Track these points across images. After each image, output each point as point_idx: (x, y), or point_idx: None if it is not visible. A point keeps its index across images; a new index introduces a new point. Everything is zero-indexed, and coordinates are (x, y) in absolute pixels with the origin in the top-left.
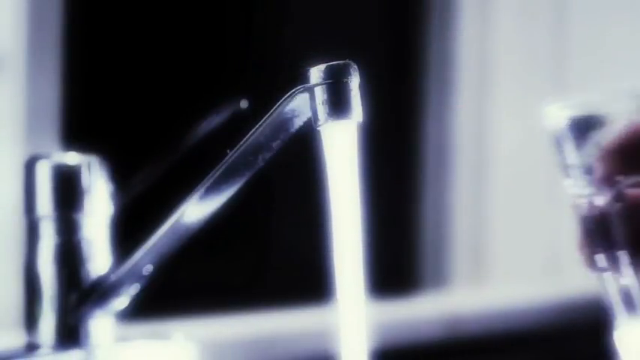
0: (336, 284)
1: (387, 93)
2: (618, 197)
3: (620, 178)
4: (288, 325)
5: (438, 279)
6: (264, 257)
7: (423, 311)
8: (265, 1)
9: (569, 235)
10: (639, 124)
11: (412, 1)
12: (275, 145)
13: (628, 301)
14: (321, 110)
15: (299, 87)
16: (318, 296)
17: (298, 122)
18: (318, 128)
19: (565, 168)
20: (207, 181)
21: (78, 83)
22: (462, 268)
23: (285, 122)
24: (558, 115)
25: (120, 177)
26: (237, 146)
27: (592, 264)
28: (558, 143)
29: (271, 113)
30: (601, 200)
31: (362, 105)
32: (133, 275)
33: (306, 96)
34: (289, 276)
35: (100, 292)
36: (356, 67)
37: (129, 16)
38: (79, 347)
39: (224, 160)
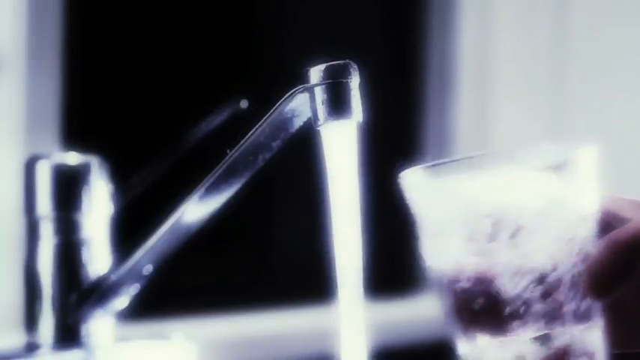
0: (335, 284)
1: (387, 93)
2: None
3: None
4: (288, 325)
5: None
6: (264, 257)
7: (423, 311)
8: (266, 2)
9: None
10: None
11: (412, 2)
12: (275, 145)
13: None
14: (321, 110)
15: (299, 87)
16: (318, 296)
17: (298, 122)
18: (318, 128)
19: (435, 230)
20: (207, 181)
21: (78, 83)
22: None
23: (285, 122)
24: (419, 176)
25: (120, 177)
26: (237, 146)
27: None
28: (421, 205)
29: (271, 113)
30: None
31: (362, 105)
32: (133, 275)
33: (306, 96)
34: (289, 276)
35: (100, 292)
36: (356, 67)
37: (129, 16)
38: (79, 347)
39: (224, 160)
